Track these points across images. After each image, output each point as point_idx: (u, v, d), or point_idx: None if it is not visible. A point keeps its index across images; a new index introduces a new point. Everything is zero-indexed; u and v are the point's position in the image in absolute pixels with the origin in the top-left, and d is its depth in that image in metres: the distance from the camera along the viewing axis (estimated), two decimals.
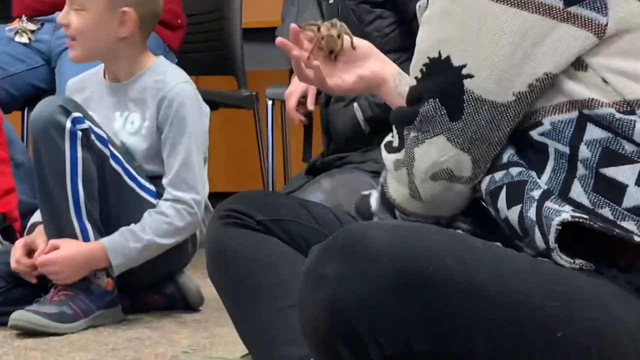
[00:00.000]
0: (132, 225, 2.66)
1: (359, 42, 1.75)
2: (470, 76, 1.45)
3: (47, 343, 2.50)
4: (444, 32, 1.47)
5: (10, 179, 3.09)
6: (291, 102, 3.38)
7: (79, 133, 2.58)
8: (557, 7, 1.40)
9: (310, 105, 3.35)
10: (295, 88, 3.38)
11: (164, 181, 2.70)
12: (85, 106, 2.73)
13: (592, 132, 1.42)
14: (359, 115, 2.93)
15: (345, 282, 1.25)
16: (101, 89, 2.78)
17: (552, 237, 1.37)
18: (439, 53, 1.46)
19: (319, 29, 1.71)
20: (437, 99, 1.46)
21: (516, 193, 1.44)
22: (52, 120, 2.57)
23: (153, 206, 2.70)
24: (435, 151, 1.47)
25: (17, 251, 2.68)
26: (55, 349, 2.44)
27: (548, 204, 1.40)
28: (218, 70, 4.17)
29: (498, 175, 1.46)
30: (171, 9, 3.37)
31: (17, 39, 3.54)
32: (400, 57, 2.77)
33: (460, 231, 1.52)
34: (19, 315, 2.58)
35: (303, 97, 3.37)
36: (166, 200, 2.69)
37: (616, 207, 1.40)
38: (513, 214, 1.44)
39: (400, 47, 2.78)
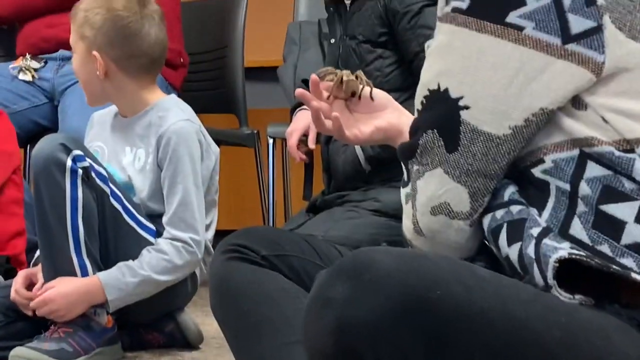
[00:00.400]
0: (130, 262, 2.65)
1: (377, 92, 1.77)
2: (466, 107, 1.46)
3: None
4: (443, 65, 1.49)
5: (22, 221, 3.09)
6: (292, 140, 3.38)
7: (80, 171, 2.58)
8: (554, 44, 1.41)
9: (312, 143, 3.35)
10: (297, 126, 3.39)
11: (164, 220, 2.69)
12: (99, 138, 2.76)
13: (593, 170, 1.43)
14: (360, 153, 2.94)
15: (352, 304, 1.26)
16: (115, 123, 2.80)
17: (550, 274, 1.37)
18: (438, 85, 1.48)
19: (340, 79, 1.74)
20: (435, 130, 1.47)
21: (516, 231, 1.45)
22: (53, 157, 2.57)
23: (152, 245, 2.69)
24: (434, 184, 1.48)
25: (17, 282, 2.68)
26: None
27: (546, 241, 1.41)
28: (220, 109, 4.18)
29: (499, 213, 1.47)
30: (173, 48, 3.39)
31: (20, 76, 3.55)
32: (401, 97, 2.78)
33: None
34: (19, 352, 2.56)
35: (304, 136, 3.38)
36: (165, 238, 2.69)
37: (615, 243, 1.41)
38: (513, 252, 1.44)
39: (401, 87, 2.79)
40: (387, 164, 2.87)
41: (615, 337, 1.35)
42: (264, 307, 1.64)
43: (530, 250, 1.42)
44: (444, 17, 1.49)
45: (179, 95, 3.45)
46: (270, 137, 3.98)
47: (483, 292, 1.30)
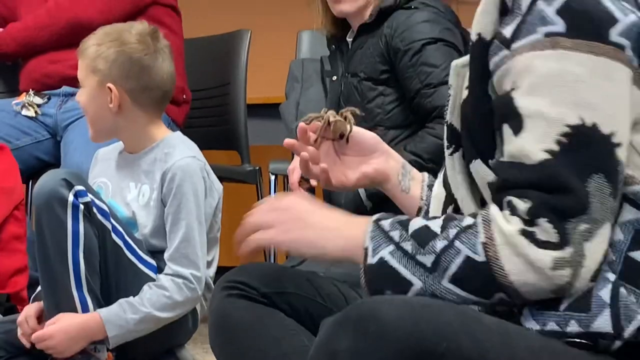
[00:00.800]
0: (131, 298, 2.64)
1: (365, 134, 1.73)
2: (619, 145, 1.34)
3: None
4: (576, 96, 1.33)
5: (24, 258, 3.07)
6: (294, 178, 3.39)
7: (81, 206, 2.57)
8: (635, 67, 1.35)
9: (313, 181, 3.36)
10: (298, 163, 3.40)
11: (165, 255, 2.69)
12: (104, 174, 2.76)
13: (626, 214, 1.38)
14: (361, 191, 2.94)
15: (358, 357, 1.25)
16: (120, 159, 2.80)
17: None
18: (581, 119, 1.33)
19: (327, 121, 1.70)
20: (603, 175, 1.33)
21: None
22: (55, 192, 2.57)
23: (153, 280, 2.68)
24: (604, 244, 1.34)
25: (30, 310, 2.66)
26: None
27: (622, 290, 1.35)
28: (222, 145, 4.18)
29: None
30: (177, 85, 3.40)
31: (23, 112, 3.55)
32: (402, 133, 2.80)
33: None
34: None
35: None
36: (166, 274, 2.68)
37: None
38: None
39: (402, 124, 2.80)
40: (388, 200, 2.87)
41: None
42: (264, 345, 1.63)
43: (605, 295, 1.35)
44: (538, 44, 1.35)
45: (182, 132, 3.46)
46: (272, 173, 3.97)
47: (490, 343, 1.28)
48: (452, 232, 1.37)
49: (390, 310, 1.27)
